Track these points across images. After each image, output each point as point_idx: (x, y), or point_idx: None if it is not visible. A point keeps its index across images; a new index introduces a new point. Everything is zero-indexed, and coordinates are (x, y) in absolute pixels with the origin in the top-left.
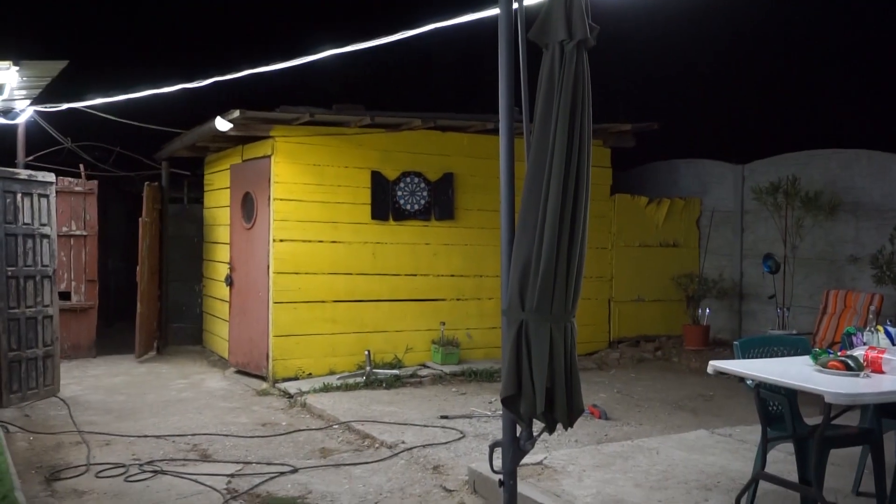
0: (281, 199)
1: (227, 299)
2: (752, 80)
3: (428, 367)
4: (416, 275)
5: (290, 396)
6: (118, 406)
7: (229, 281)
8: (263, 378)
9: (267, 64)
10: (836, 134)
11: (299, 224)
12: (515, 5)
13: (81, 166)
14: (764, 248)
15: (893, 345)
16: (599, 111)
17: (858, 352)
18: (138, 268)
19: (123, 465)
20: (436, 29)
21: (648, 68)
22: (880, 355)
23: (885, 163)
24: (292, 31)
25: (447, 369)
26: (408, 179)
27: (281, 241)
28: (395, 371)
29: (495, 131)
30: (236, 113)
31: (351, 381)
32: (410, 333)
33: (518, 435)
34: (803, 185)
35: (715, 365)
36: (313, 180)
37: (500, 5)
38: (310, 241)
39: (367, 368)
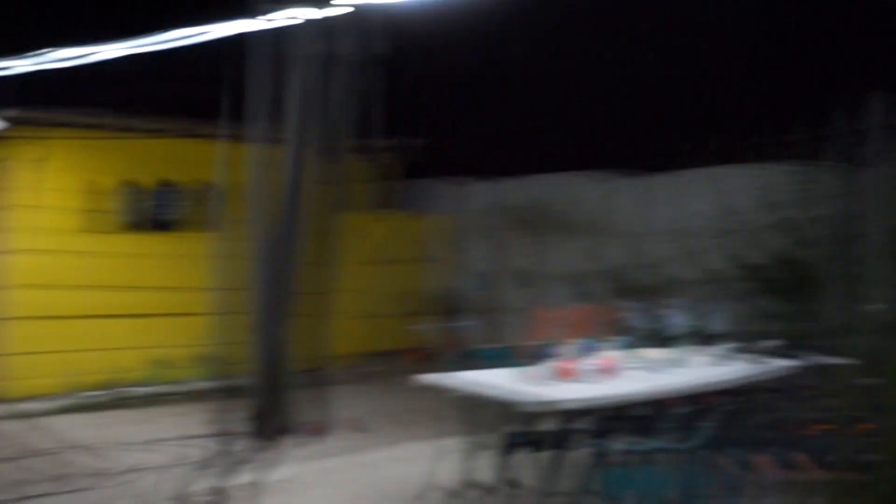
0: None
1: None
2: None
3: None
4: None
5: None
6: None
7: None
8: None
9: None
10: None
11: (39, 233)
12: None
13: None
14: (480, 267)
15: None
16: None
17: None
18: None
19: None
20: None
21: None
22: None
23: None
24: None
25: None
26: (163, 189)
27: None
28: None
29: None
30: None
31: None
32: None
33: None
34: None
35: (421, 379)
36: (59, 186)
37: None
38: (52, 252)
39: None
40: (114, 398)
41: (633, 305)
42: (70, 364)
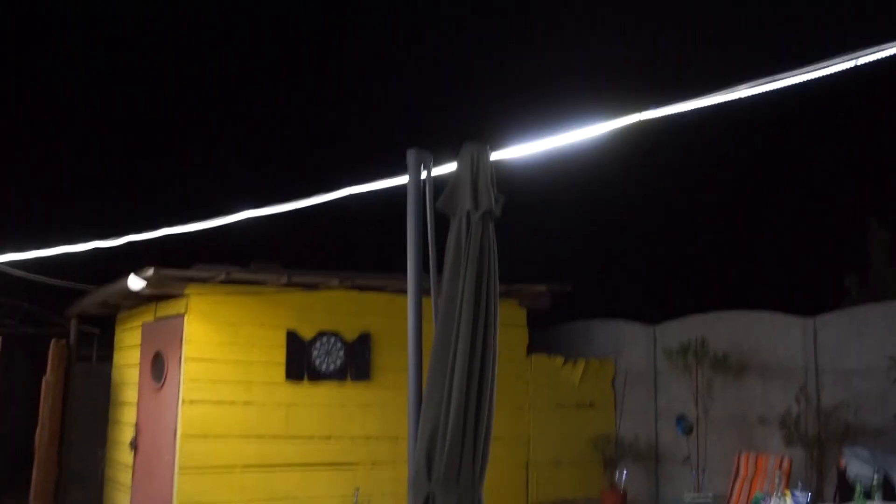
0: (193, 359)
1: (131, 465)
2: (663, 242)
3: None
4: (330, 437)
5: None
6: None
7: (134, 445)
8: None
9: (183, 223)
10: (742, 295)
11: (211, 384)
12: (424, 175)
13: None
14: (677, 409)
15: None
16: (515, 271)
17: None
18: (38, 430)
19: None
20: (352, 192)
21: (565, 229)
22: None
23: (785, 325)
24: (209, 188)
25: None
26: (324, 339)
27: (191, 402)
28: None
29: None
30: (150, 271)
31: None
32: (324, 500)
33: None
34: (711, 346)
35: None
36: (227, 339)
37: (409, 174)
38: (221, 403)
39: None
40: None
41: (855, 452)
42: None
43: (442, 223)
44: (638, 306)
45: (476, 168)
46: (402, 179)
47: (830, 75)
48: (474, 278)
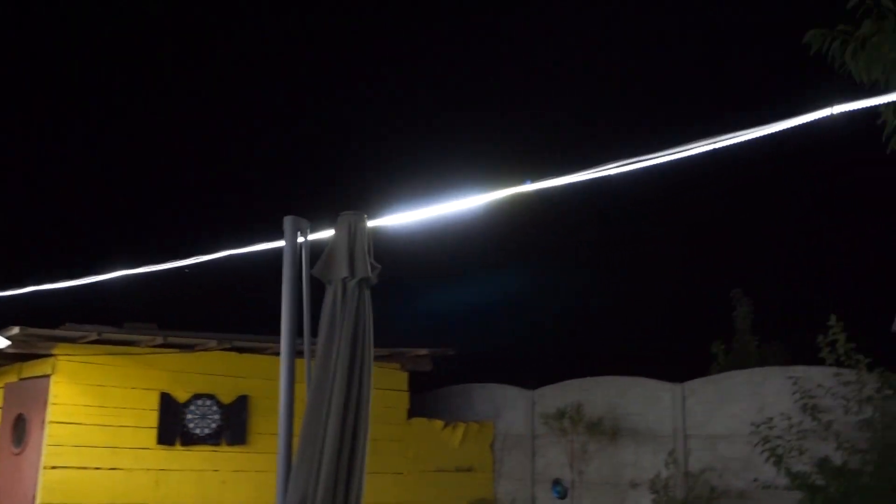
0: (57, 422)
1: None
2: (544, 309)
3: None
4: None
5: None
6: None
7: None
8: None
9: (53, 281)
10: (618, 362)
11: (76, 449)
12: (301, 239)
13: None
14: (554, 473)
15: None
16: (399, 336)
17: None
18: None
19: None
20: (230, 254)
21: (449, 295)
22: None
23: (656, 390)
24: (81, 245)
25: None
26: (199, 402)
27: (53, 468)
28: None
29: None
30: (15, 329)
31: None
32: None
33: None
34: (587, 411)
35: None
36: (95, 402)
37: (285, 240)
38: (86, 469)
39: None
40: None
41: None
42: None
43: (318, 288)
44: (518, 371)
45: (353, 236)
46: (280, 243)
47: (691, 157)
48: (349, 344)
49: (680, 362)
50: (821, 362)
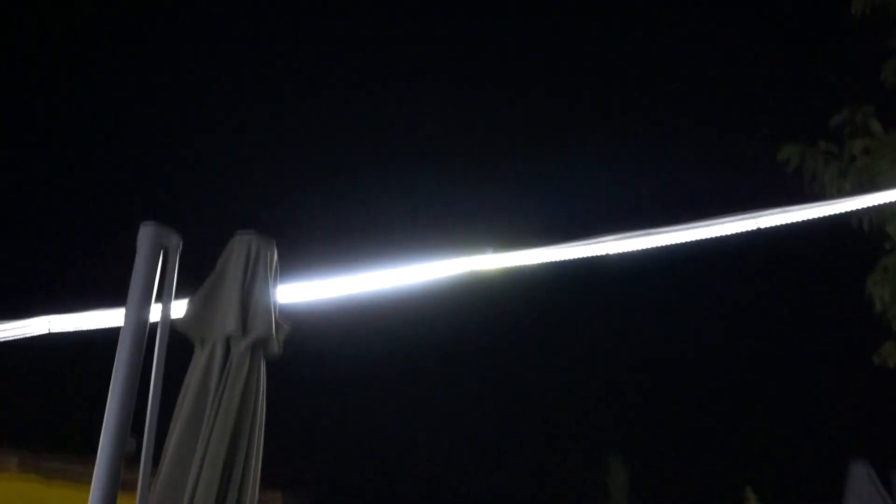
0: None
1: None
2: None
3: None
4: None
5: None
6: None
7: None
8: None
9: None
10: None
11: None
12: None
13: None
14: None
15: None
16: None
17: None
18: None
19: None
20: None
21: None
22: None
23: None
24: None
25: None
26: None
27: None
28: None
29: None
30: None
31: None
32: None
33: None
34: None
35: None
36: None
37: (138, 261)
38: None
39: None
40: None
41: None
42: None
43: (183, 352)
44: None
45: (253, 269)
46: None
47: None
48: (225, 445)
49: None
50: None
